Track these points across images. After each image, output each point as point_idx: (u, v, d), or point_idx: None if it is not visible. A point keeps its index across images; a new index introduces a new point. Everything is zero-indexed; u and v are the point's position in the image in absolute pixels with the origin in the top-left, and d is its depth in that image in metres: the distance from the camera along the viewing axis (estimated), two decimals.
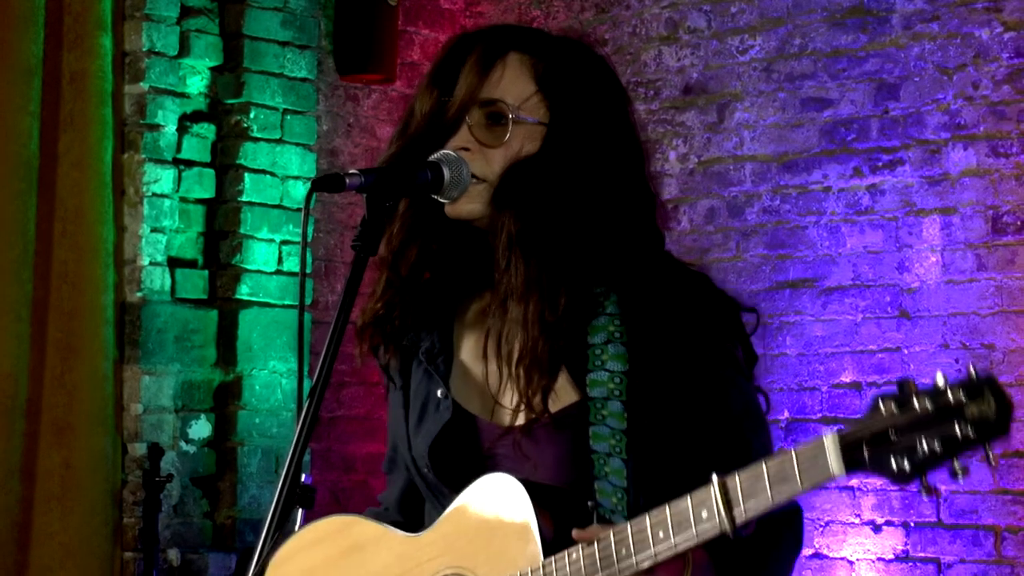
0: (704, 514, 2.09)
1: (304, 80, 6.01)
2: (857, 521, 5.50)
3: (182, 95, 5.72)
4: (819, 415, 5.61)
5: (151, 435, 5.54)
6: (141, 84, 5.61)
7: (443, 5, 6.50)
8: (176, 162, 5.68)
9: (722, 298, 2.44)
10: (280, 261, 5.90)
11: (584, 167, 2.41)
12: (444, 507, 2.40)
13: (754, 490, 2.05)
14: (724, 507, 2.07)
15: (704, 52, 5.97)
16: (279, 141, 5.92)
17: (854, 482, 5.51)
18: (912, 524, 5.39)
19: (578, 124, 2.42)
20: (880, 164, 5.56)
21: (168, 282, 5.64)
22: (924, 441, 1.89)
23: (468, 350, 2.49)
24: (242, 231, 5.79)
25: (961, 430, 1.87)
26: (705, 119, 5.96)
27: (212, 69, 5.82)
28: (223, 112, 5.83)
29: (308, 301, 6.03)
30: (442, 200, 2.39)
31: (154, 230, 5.61)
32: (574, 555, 2.22)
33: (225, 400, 5.76)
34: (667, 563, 2.19)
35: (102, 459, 5.41)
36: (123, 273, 5.57)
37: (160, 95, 5.64)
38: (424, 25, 6.42)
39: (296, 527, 2.38)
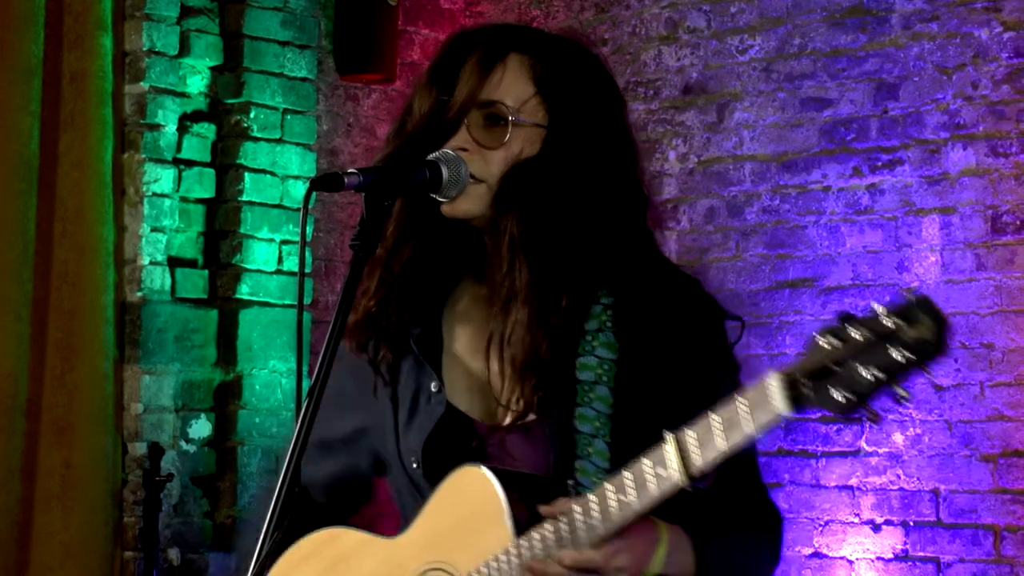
0: (662, 471, 2.12)
1: (304, 80, 6.01)
2: (856, 520, 5.51)
3: (182, 95, 5.72)
4: (818, 414, 5.60)
5: (151, 435, 5.54)
6: (141, 84, 5.61)
7: (443, 5, 6.50)
8: (176, 162, 5.69)
9: (711, 302, 2.45)
10: (280, 261, 5.90)
11: (584, 169, 2.42)
12: (424, 502, 2.42)
13: (707, 440, 2.08)
14: (680, 461, 2.10)
15: (704, 52, 5.98)
16: (279, 141, 5.92)
17: (853, 481, 5.51)
18: (911, 523, 5.40)
19: (577, 126, 2.42)
20: (879, 164, 5.56)
21: (168, 282, 5.64)
22: (864, 369, 1.89)
23: (460, 345, 2.50)
24: (242, 231, 5.79)
25: (900, 354, 1.87)
26: (705, 119, 5.96)
27: (212, 69, 5.83)
28: (223, 112, 5.84)
29: (308, 301, 6.03)
30: (440, 199, 2.40)
31: (154, 230, 5.61)
32: (543, 531, 2.24)
33: (225, 400, 5.76)
34: (640, 539, 2.23)
35: (102, 459, 5.42)
36: (123, 273, 5.57)
37: (160, 95, 5.65)
38: (424, 25, 6.42)
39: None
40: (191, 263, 5.73)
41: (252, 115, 5.83)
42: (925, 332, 1.87)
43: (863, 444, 5.52)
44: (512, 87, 2.41)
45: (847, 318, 1.93)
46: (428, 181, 2.36)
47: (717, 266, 5.82)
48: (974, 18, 5.40)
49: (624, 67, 6.15)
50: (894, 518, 5.43)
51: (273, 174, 5.89)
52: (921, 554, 5.38)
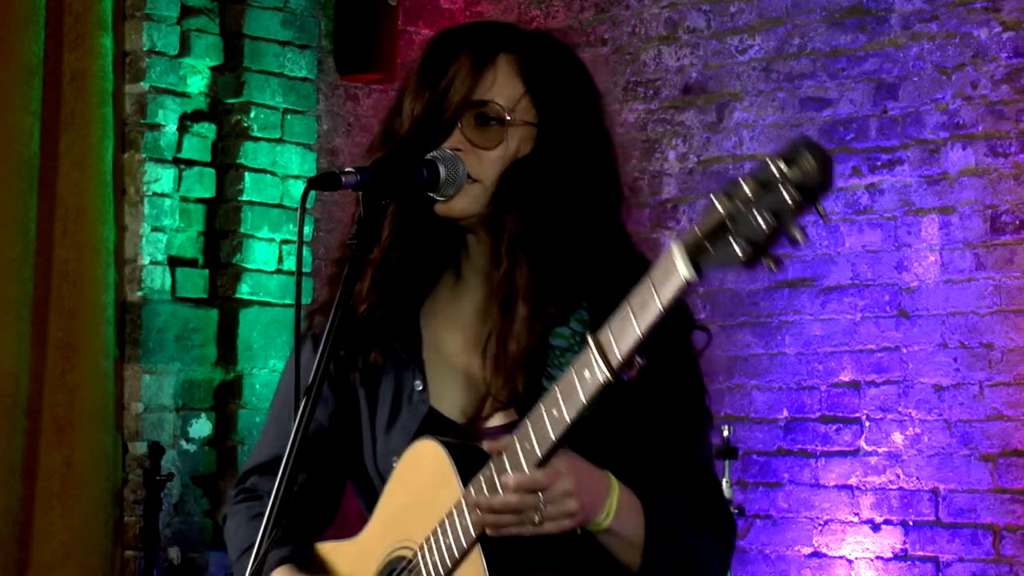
0: (586, 373, 2.13)
1: (304, 80, 6.02)
2: (856, 520, 5.51)
3: (182, 95, 5.73)
4: (818, 414, 5.62)
5: (152, 434, 5.55)
6: (142, 84, 5.62)
7: (443, 5, 6.51)
8: (176, 161, 5.70)
9: (683, 308, 2.45)
10: (280, 260, 5.91)
11: (576, 165, 2.43)
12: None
13: (623, 329, 2.08)
14: (601, 358, 2.10)
15: (703, 52, 5.98)
16: (279, 141, 5.93)
17: (853, 480, 5.52)
18: (911, 523, 5.40)
19: (567, 123, 2.44)
20: (879, 163, 5.57)
21: (168, 281, 5.65)
22: (758, 217, 1.91)
23: (444, 344, 2.50)
24: (242, 230, 5.80)
25: (788, 195, 1.89)
26: (704, 119, 5.97)
27: (212, 69, 5.83)
28: (223, 112, 5.85)
29: (307, 300, 6.04)
30: (437, 198, 2.40)
31: (155, 229, 5.62)
32: (486, 470, 2.24)
33: (225, 399, 5.77)
34: (591, 481, 2.22)
35: (103, 458, 5.42)
36: (124, 272, 5.58)
37: (160, 95, 5.66)
38: (424, 25, 6.43)
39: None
40: (191, 263, 5.73)
41: (252, 115, 5.84)
42: (808, 168, 1.89)
43: (862, 444, 5.52)
44: (504, 87, 2.42)
45: (737, 178, 1.96)
46: (426, 179, 2.37)
47: None
48: (973, 18, 5.40)
49: (624, 67, 6.15)
50: (893, 517, 5.44)
51: (273, 174, 5.90)
52: (920, 553, 5.38)
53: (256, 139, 5.85)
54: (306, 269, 5.96)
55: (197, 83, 5.78)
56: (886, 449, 5.47)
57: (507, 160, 2.41)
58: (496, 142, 2.41)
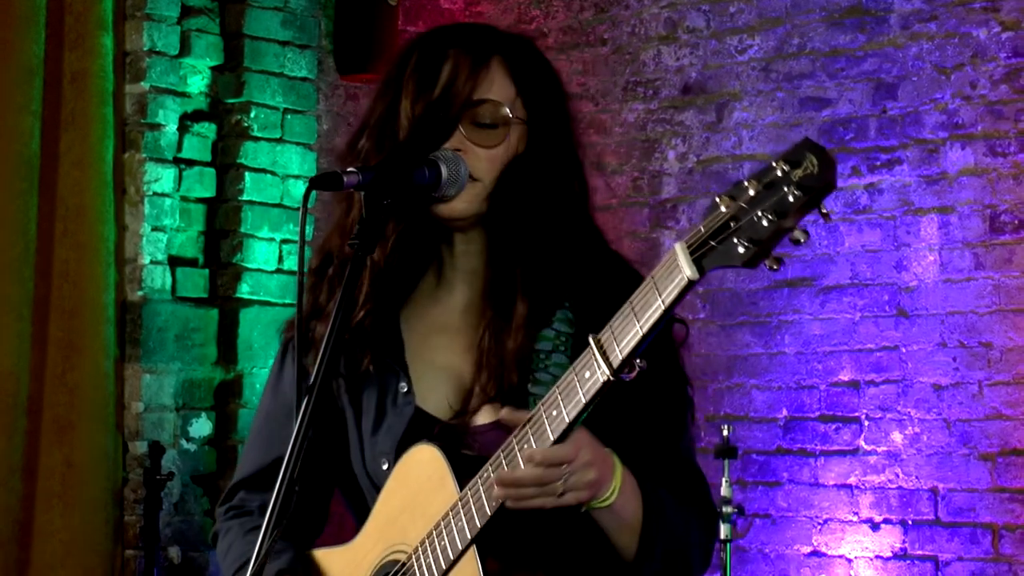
0: (587, 374, 2.14)
1: (304, 80, 6.02)
2: (855, 519, 5.52)
3: (183, 94, 5.74)
4: (817, 413, 5.62)
5: (152, 433, 5.56)
6: (142, 83, 5.63)
7: (443, 5, 6.51)
8: (177, 161, 5.70)
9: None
10: (280, 260, 5.92)
11: (561, 162, 2.47)
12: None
13: (624, 329, 2.09)
14: (602, 358, 2.11)
15: (703, 52, 5.99)
16: (279, 140, 5.94)
17: (852, 480, 5.52)
18: (910, 522, 5.41)
19: (553, 122, 2.48)
20: (878, 163, 5.57)
21: (169, 281, 5.66)
22: (761, 217, 1.93)
23: (428, 346, 2.49)
24: (243, 230, 5.81)
25: (792, 196, 1.91)
26: (704, 118, 5.97)
27: (213, 69, 5.84)
28: (224, 111, 5.85)
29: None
30: (438, 198, 2.40)
31: (155, 229, 5.63)
32: (484, 473, 2.24)
33: (226, 398, 5.78)
34: (600, 456, 2.23)
35: (103, 457, 5.43)
36: (124, 272, 5.58)
37: (161, 94, 5.66)
38: (424, 25, 6.43)
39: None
40: (192, 262, 5.74)
41: (252, 115, 5.84)
42: (811, 169, 1.91)
43: (862, 443, 5.53)
44: (502, 88, 2.44)
45: (741, 180, 1.97)
46: (428, 180, 2.37)
47: None
48: (972, 18, 5.41)
49: (623, 67, 6.16)
50: (893, 517, 5.44)
51: (273, 173, 5.90)
52: (919, 553, 5.39)
53: (256, 139, 5.86)
54: (306, 269, 5.95)
55: (197, 83, 5.79)
56: (885, 448, 5.47)
57: (507, 159, 2.42)
58: (498, 141, 2.43)
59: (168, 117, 5.67)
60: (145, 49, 5.62)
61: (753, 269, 1.98)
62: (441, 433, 2.41)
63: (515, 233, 2.42)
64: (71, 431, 5.34)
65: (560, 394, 2.17)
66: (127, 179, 5.61)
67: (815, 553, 5.59)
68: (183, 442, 5.66)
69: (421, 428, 2.43)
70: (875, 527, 5.48)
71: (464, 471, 2.30)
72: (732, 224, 1.96)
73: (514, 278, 2.42)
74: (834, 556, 5.55)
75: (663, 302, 2.04)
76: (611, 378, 2.11)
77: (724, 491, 5.11)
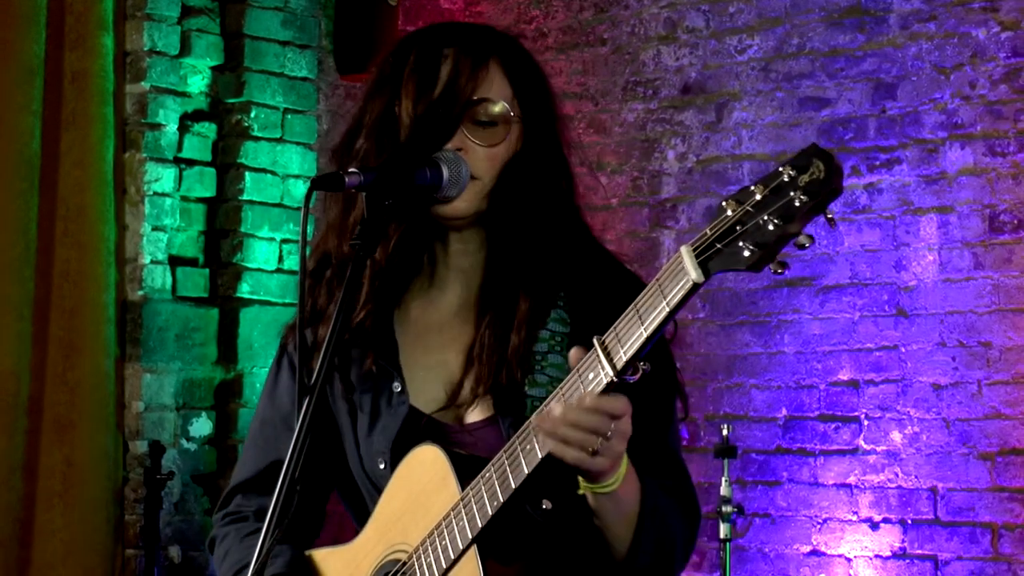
0: (590, 375, 2.14)
1: (304, 79, 6.03)
2: (855, 518, 5.52)
3: (183, 94, 5.74)
4: (817, 413, 5.62)
5: (152, 433, 5.56)
6: (142, 83, 5.63)
7: (443, 5, 6.52)
8: (177, 161, 5.71)
9: None
10: (280, 260, 5.92)
11: (554, 160, 2.49)
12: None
13: (629, 331, 2.09)
14: (606, 359, 2.11)
15: (702, 52, 5.99)
16: (280, 140, 5.94)
17: (852, 479, 5.53)
18: (909, 521, 5.41)
19: (544, 119, 2.50)
20: (877, 163, 5.58)
21: (169, 280, 5.66)
22: (767, 221, 1.95)
23: (421, 346, 2.50)
24: (243, 230, 5.81)
25: (798, 201, 1.93)
26: (703, 118, 5.97)
27: (213, 68, 5.84)
28: (224, 111, 5.86)
29: None
30: (440, 199, 2.41)
31: (155, 229, 5.63)
32: (486, 473, 2.25)
33: (226, 398, 5.78)
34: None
35: (103, 457, 5.43)
36: (124, 271, 5.59)
37: (161, 94, 5.67)
38: (424, 25, 6.44)
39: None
40: (192, 262, 5.74)
41: (253, 114, 5.85)
42: (817, 174, 1.94)
43: (861, 442, 5.53)
44: (501, 87, 2.45)
45: (748, 185, 1.98)
46: (429, 180, 2.38)
47: None
48: (972, 18, 5.41)
49: (623, 67, 6.16)
50: (892, 516, 5.45)
51: (274, 173, 5.91)
52: (919, 552, 5.39)
53: (256, 139, 5.87)
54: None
55: (198, 83, 5.79)
56: (885, 448, 5.48)
57: (506, 157, 2.44)
58: (499, 139, 2.44)
59: (168, 117, 5.67)
60: (145, 49, 5.63)
61: (758, 272, 1.99)
62: (432, 429, 2.42)
63: (514, 230, 2.43)
64: (72, 430, 5.35)
65: (563, 396, 2.17)
66: (127, 179, 5.62)
67: (814, 552, 5.59)
68: (183, 441, 5.66)
69: (415, 427, 2.44)
70: (874, 526, 5.49)
71: (466, 471, 2.30)
72: (738, 228, 1.97)
73: (514, 275, 2.42)
74: (833, 555, 5.55)
75: (668, 304, 2.05)
76: (615, 380, 2.12)
77: (724, 490, 5.11)
